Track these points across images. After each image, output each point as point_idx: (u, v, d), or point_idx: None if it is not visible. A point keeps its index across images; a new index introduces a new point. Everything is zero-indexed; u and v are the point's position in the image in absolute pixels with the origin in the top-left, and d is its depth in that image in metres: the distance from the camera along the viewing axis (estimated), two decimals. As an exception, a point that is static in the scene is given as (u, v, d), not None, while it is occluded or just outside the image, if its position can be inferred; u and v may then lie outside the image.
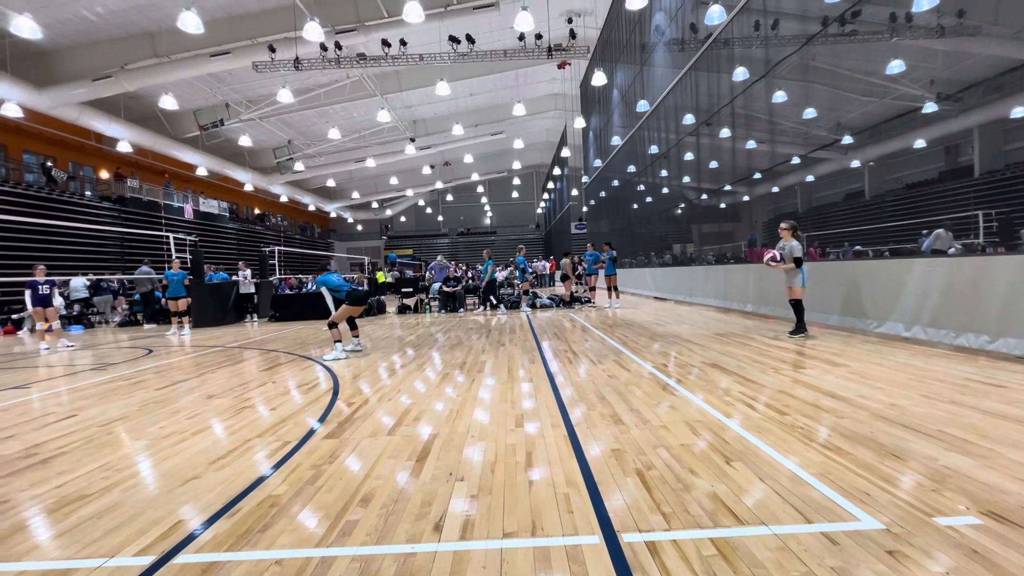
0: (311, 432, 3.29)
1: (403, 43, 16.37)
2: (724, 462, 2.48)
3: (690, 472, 2.38)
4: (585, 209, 29.88)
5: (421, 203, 49.04)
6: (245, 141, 23.82)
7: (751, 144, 10.20)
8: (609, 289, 12.42)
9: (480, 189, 46.83)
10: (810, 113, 9.52)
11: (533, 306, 12.65)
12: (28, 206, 17.94)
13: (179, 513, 2.20)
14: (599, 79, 16.51)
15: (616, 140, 19.17)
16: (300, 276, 17.52)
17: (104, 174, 23.96)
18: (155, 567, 1.78)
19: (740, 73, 9.77)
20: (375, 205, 45.62)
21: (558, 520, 1.98)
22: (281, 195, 34.93)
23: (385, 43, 16.23)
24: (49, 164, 20.75)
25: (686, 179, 13.62)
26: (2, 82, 15.53)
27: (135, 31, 16.47)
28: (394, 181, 38.79)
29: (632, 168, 17.52)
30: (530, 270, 12.98)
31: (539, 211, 49.27)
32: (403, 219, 50.63)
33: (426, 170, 36.79)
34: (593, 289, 13.33)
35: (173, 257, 11.96)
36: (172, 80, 17.81)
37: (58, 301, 9.71)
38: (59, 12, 14.99)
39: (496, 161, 40.77)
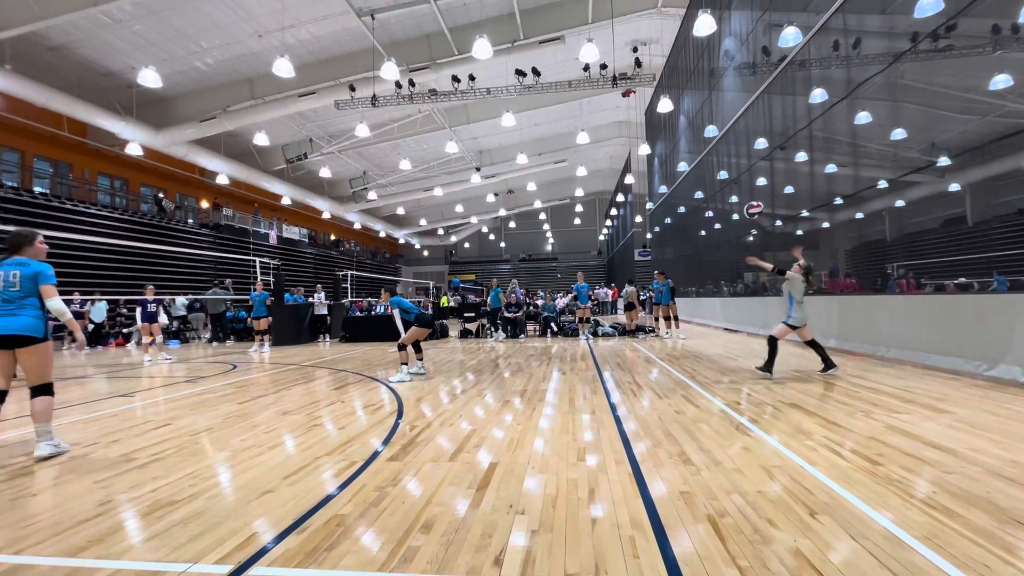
0: (376, 453, 3.37)
1: (472, 78, 17.12)
2: (807, 514, 2.27)
3: (769, 523, 2.19)
4: (649, 236, 29.29)
5: (484, 230, 50.21)
6: (325, 172, 25.65)
7: (831, 168, 9.61)
8: (667, 319, 12.00)
9: (542, 216, 47.31)
10: (899, 134, 8.85)
11: (595, 334, 12.43)
12: (142, 233, 20.24)
13: (254, 525, 2.31)
14: (665, 106, 16.35)
15: (683, 166, 18.77)
16: (370, 299, 18.37)
17: (204, 204, 26.63)
18: (232, 577, 1.88)
19: (818, 95, 9.32)
20: (440, 232, 47.27)
21: (623, 564, 1.88)
22: (355, 222, 37.10)
23: (455, 79, 17.05)
24: (161, 195, 23.39)
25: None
26: (129, 125, 17.84)
27: (237, 78, 18.42)
28: (459, 209, 40.07)
29: (700, 194, 17.03)
30: (589, 297, 12.81)
31: (601, 238, 48.87)
32: (467, 245, 51.99)
33: (490, 198, 37.76)
34: (658, 319, 12.92)
35: (258, 279, 12.96)
36: (265, 119, 19.64)
37: (163, 318, 10.75)
38: (177, 64, 17.10)
39: (559, 188, 41.18)
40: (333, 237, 39.31)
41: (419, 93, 17.97)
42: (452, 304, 25.36)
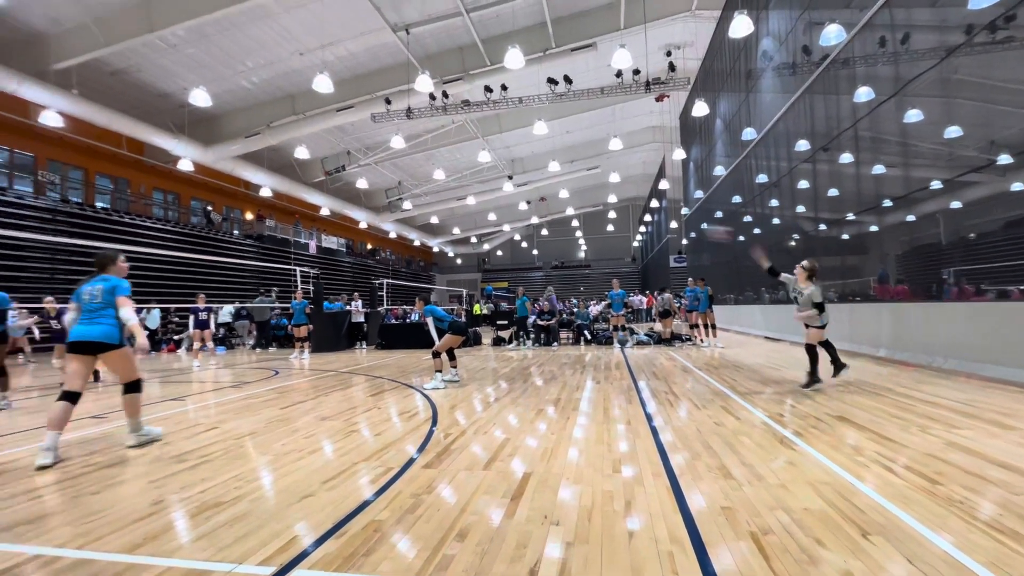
0: (411, 460, 3.41)
1: (504, 88, 17.29)
2: (859, 534, 2.15)
3: (817, 542, 2.09)
4: (685, 242, 28.71)
5: (517, 237, 50.39)
6: (362, 183, 26.37)
7: (879, 169, 9.19)
8: (705, 327, 11.70)
9: (575, 223, 47.14)
10: (954, 132, 8.39)
11: (624, 342, 12.25)
12: (192, 244, 21.30)
13: (295, 528, 2.37)
14: (700, 109, 16.06)
15: (719, 170, 18.35)
16: (405, 307, 18.70)
17: (249, 215, 27.80)
18: (274, 579, 1.93)
19: (864, 93, 8.95)
20: (473, 240, 47.76)
21: (661, 581, 1.84)
22: (390, 231, 37.94)
23: (487, 89, 17.26)
24: (209, 208, 24.56)
25: (800, 208, 12.58)
26: (181, 142, 18.86)
27: (279, 95, 19.23)
28: (492, 217, 40.38)
29: (737, 199, 16.59)
30: (622, 305, 12.62)
31: (635, 244, 48.23)
32: (499, 253, 52.29)
33: (522, 206, 37.93)
34: (695, 327, 12.61)
35: (298, 288, 13.40)
36: (306, 133, 20.39)
37: (212, 326, 11.28)
38: (224, 84, 18.01)
39: (591, 195, 40.98)
40: (369, 246, 40.30)
41: (452, 104, 18.28)
42: (485, 311, 25.51)
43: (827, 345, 5.81)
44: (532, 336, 13.24)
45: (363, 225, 34.20)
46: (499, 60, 16.13)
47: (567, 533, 2.23)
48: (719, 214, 19.28)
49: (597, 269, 46.91)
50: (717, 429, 4.04)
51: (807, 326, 5.81)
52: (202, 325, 10.63)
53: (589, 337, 12.96)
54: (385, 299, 19.54)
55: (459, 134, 24.32)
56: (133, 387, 3.97)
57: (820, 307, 5.62)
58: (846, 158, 9.86)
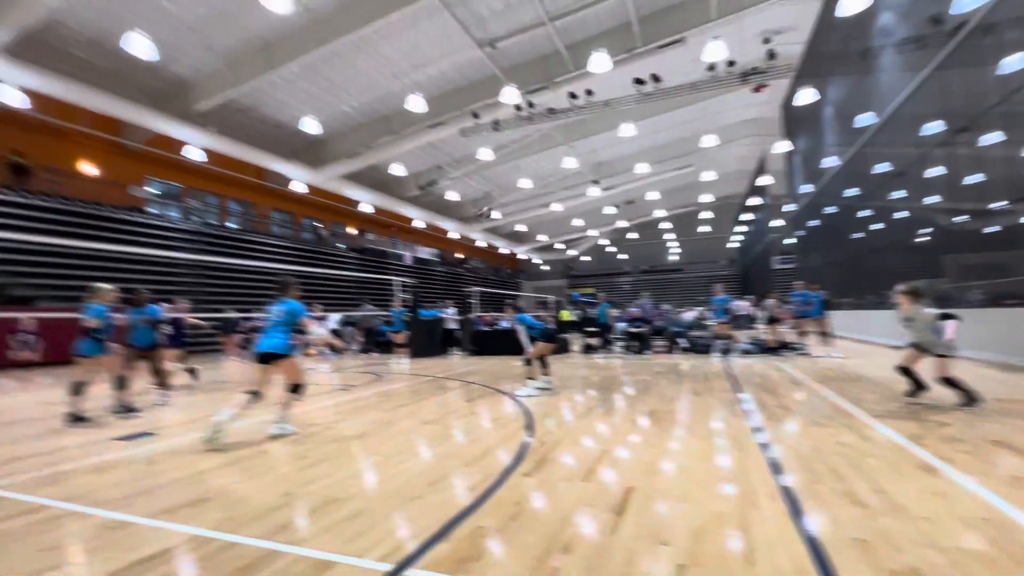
0: (511, 468, 3.47)
1: (589, 93, 17.18)
2: (1038, 585, 1.82)
3: (980, 590, 1.81)
4: (792, 241, 26.43)
5: (603, 242, 49.57)
6: (452, 196, 27.50)
7: (1038, 149, 7.81)
8: (819, 335, 10.63)
9: (664, 225, 45.33)
10: None
11: (727, 351, 11.49)
12: (304, 257, 23.51)
13: (407, 529, 2.51)
14: (806, 97, 14.76)
15: (831, 161, 16.69)
16: (494, 314, 19.14)
17: (351, 230, 30.12)
18: (392, 575, 2.05)
19: (1014, 62, 7.68)
20: (559, 246, 47.73)
21: (788, 617, 1.69)
22: (479, 240, 39.09)
23: (572, 95, 17.25)
24: (318, 225, 26.97)
25: (933, 199, 11.06)
26: (294, 167, 20.95)
27: (376, 116, 20.67)
28: (578, 222, 40.15)
29: (854, 191, 14.97)
30: (724, 312, 11.84)
31: (732, 245, 45.29)
32: (586, 258, 51.76)
33: (608, 210, 37.29)
34: (805, 334, 11.53)
35: (397, 297, 14.25)
36: (401, 151, 21.72)
37: (323, 332, 12.32)
38: (330, 111, 19.74)
39: (682, 195, 39.20)
40: (460, 256, 41.85)
41: (537, 113, 18.49)
42: (573, 318, 25.33)
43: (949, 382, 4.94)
44: (622, 343, 12.90)
45: (454, 235, 35.63)
46: (583, 65, 16.03)
47: (677, 554, 2.14)
48: (832, 209, 17.52)
49: (690, 273, 44.73)
50: (840, 449, 3.65)
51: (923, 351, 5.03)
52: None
53: (687, 345, 12.35)
54: (476, 306, 20.14)
55: (544, 142, 24.52)
56: (296, 389, 4.84)
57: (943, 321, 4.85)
58: (993, 138, 8.52)
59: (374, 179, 26.35)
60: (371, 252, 28.69)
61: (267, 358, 4.71)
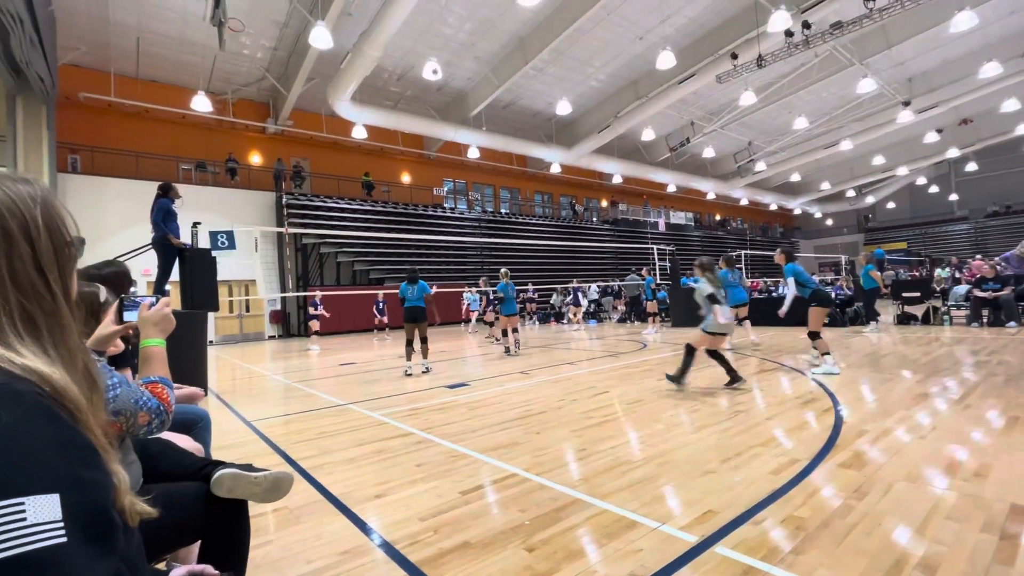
0: (821, 454, 2.98)
1: (896, -15, 13.11)
2: None
3: None
4: None
5: (921, 181, 37.93)
6: (708, 152, 25.22)
7: None
8: None
9: (1032, 145, 31.71)
10: None
11: None
12: (562, 234, 25.29)
13: (706, 503, 2.41)
14: None
15: None
16: (765, 279, 16.91)
17: (603, 203, 30.84)
18: (699, 548, 1.99)
19: None
20: (851, 194, 38.80)
21: None
22: (741, 199, 35.00)
23: (869, -4, 13.44)
24: (573, 202, 28.52)
25: None
26: (551, 150, 22.54)
27: (622, 83, 20.36)
28: (878, 160, 31.73)
29: None
30: None
31: None
32: (891, 205, 40.78)
33: (930, 137, 28.11)
34: None
35: (647, 267, 13.99)
36: (649, 114, 20.94)
37: (584, 302, 13.14)
38: (578, 89, 20.39)
39: (1067, 96, 26.59)
40: (718, 217, 38.40)
41: (816, 34, 15.12)
42: (884, 283, 20.35)
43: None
44: (956, 313, 9.70)
45: (711, 196, 32.80)
46: (887, -49, 12.27)
47: None
48: None
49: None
50: None
51: None
52: (576, 302, 12.61)
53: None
54: (744, 271, 18.18)
55: (825, 67, 19.97)
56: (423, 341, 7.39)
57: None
58: None
59: (623, 149, 26.23)
60: (624, 223, 28.89)
61: (412, 317, 7.32)
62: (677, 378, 5.14)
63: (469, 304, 16.98)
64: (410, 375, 7.17)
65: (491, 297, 18.16)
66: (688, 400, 4.68)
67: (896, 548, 1.90)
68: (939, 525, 2.06)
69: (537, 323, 18.66)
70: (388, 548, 2.15)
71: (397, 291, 7.84)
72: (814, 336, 5.78)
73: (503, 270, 9.41)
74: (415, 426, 4.23)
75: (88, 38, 14.92)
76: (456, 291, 18.05)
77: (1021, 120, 27.12)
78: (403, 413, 4.78)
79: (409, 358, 7.31)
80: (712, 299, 5.02)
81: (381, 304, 15.44)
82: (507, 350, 9.23)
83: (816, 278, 8.47)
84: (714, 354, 5.22)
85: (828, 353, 5.69)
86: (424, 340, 7.39)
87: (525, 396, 5.28)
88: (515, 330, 9.37)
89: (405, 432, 4.06)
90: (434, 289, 8.89)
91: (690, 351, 5.15)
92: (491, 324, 13.53)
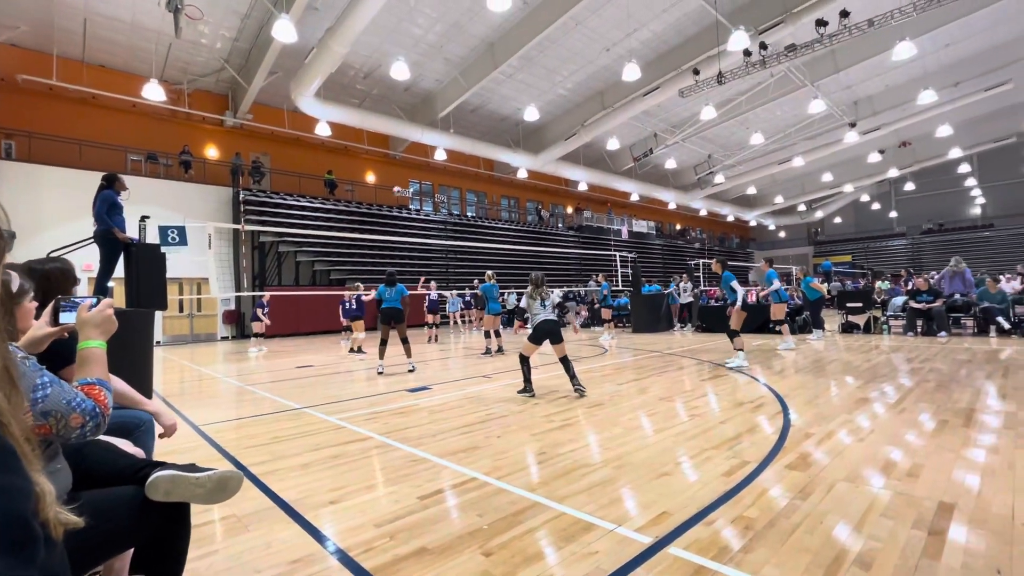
0: (770, 457, 3.10)
1: (844, 14, 13.94)
2: None
3: None
4: None
5: (864, 198, 40.28)
6: (670, 164, 25.98)
7: None
8: None
9: (963, 169, 34.20)
10: None
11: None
12: (528, 238, 25.41)
13: (661, 504, 2.46)
14: None
15: None
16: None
17: (569, 209, 31.23)
18: (653, 549, 2.03)
19: None
20: (802, 208, 40.80)
21: None
22: (700, 209, 36.20)
23: (820, 23, 14.24)
24: (539, 207, 28.74)
25: None
26: (517, 155, 22.65)
27: (589, 93, 20.74)
28: (827, 177, 33.51)
29: None
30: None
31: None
32: (837, 220, 43.11)
33: (873, 157, 29.97)
34: None
35: (603, 273, 14.27)
36: (615, 124, 21.40)
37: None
38: (547, 96, 20.62)
39: (991, 126, 28.95)
40: (679, 227, 39.54)
41: (772, 55, 15.88)
42: (828, 293, 21.41)
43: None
44: (894, 322, 10.36)
45: (672, 206, 33.75)
46: (835, -19, 13.05)
47: (1051, 606, 1.57)
48: None
49: (1004, 229, 33.23)
50: None
51: None
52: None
53: (1007, 326, 9.22)
54: (701, 280, 18.78)
55: (780, 87, 20.98)
56: (405, 340, 7.33)
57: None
58: None
59: (589, 157, 26.67)
60: (588, 229, 29.33)
61: (388, 318, 7.30)
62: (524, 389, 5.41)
63: (448, 305, 17.66)
64: (381, 373, 7.19)
65: (467, 298, 18.18)
66: (647, 404, 4.79)
67: (836, 545, 2.00)
68: (875, 522, 2.18)
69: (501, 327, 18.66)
70: (342, 556, 2.09)
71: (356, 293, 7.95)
72: (733, 334, 6.40)
73: (488, 272, 9.63)
74: (374, 430, 4.15)
75: (29, 17, 13.99)
76: (421, 294, 17.90)
77: (954, 144, 29.29)
78: (362, 417, 4.67)
79: (382, 356, 7.29)
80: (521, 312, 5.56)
81: (347, 304, 15.13)
82: (488, 351, 9.29)
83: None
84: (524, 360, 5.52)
85: (742, 350, 6.23)
86: (405, 340, 7.44)
87: (487, 400, 5.27)
88: (498, 333, 9.49)
89: (363, 436, 3.97)
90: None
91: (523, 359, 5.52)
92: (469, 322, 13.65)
